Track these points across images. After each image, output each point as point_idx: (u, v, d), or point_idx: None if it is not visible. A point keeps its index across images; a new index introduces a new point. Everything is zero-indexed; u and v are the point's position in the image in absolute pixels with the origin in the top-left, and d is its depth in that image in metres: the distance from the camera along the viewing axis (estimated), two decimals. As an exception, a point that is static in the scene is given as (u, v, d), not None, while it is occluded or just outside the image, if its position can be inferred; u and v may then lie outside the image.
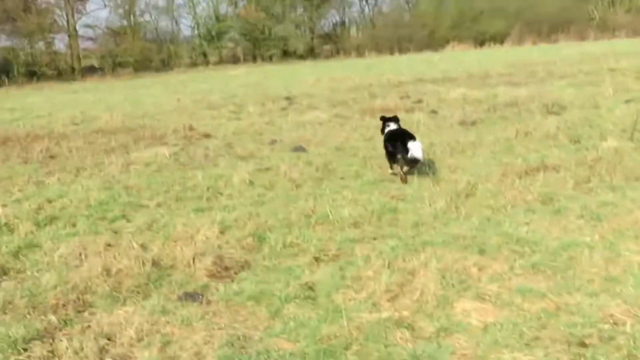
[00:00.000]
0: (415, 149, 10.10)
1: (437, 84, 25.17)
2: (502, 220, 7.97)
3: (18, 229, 8.83)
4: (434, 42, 65.35)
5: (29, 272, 7.27)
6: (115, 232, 8.49)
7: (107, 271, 6.93)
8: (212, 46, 63.97)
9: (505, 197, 9.00)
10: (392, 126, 11.23)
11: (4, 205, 9.94)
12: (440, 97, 20.02)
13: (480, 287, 6.15)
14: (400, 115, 15.82)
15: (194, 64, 62.01)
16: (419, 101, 19.37)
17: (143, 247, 7.72)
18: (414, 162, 10.18)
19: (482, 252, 6.96)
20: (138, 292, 6.60)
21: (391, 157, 10.65)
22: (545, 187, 9.39)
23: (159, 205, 9.79)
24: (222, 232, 8.16)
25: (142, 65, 58.65)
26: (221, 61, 63.66)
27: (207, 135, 15.42)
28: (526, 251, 6.97)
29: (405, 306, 5.88)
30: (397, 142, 10.44)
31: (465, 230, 7.72)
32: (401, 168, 10.40)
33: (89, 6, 61.72)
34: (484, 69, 31.30)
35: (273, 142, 14.03)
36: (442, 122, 15.32)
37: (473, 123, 14.98)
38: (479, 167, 10.77)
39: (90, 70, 59.05)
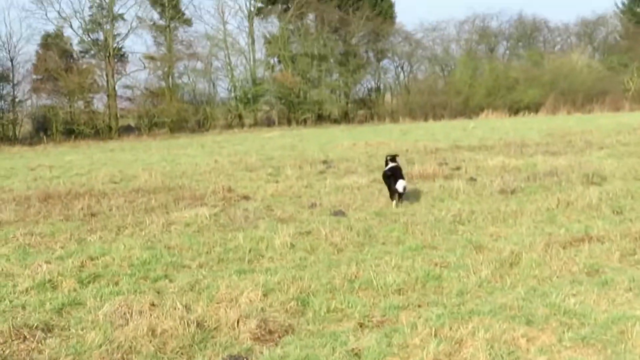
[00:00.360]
0: (399, 185, 14.11)
1: (474, 151, 25.18)
2: (549, 291, 7.89)
3: (61, 285, 8.89)
4: (468, 109, 65.51)
5: (73, 330, 7.28)
6: (159, 292, 8.50)
7: (152, 331, 6.93)
8: (247, 108, 64.55)
9: (550, 267, 8.92)
10: (391, 164, 14.85)
11: (47, 262, 10.01)
12: (478, 165, 19.98)
13: (529, 359, 6.07)
14: (439, 182, 16.09)
15: (229, 126, 62.55)
16: (458, 168, 19.37)
17: (187, 307, 7.71)
18: (399, 193, 14.07)
19: (529, 322, 6.87)
20: (182, 354, 6.60)
21: (389, 189, 14.41)
22: (591, 258, 9.30)
23: (200, 266, 9.81)
24: (265, 295, 8.15)
25: (178, 126, 59.29)
26: (256, 123, 64.19)
27: (246, 197, 15.48)
28: (574, 323, 6.87)
29: (455, 376, 5.81)
30: (390, 179, 14.33)
31: (511, 300, 7.64)
32: (392, 196, 14.15)
33: (129, 67, 62.37)
34: (521, 138, 31.25)
35: (312, 205, 14.06)
36: (481, 190, 15.27)
37: (513, 191, 14.91)
38: (521, 236, 10.70)
39: (127, 130, 59.81)
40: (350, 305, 7.73)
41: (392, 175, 14.39)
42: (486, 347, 6.22)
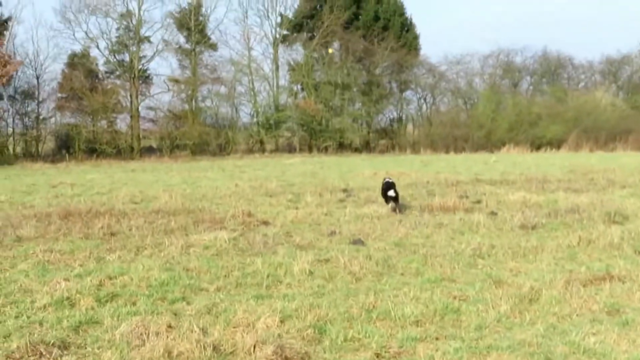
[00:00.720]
0: (390, 192, 18.13)
1: (495, 185, 25.07)
2: (568, 329, 7.82)
3: (79, 303, 8.92)
4: (490, 143, 65.38)
5: (89, 349, 7.30)
6: (176, 314, 8.50)
7: (169, 353, 6.93)
8: (269, 134, 64.77)
9: (570, 305, 8.85)
10: (387, 179, 19.22)
11: (66, 280, 10.05)
12: (499, 199, 19.90)
13: (548, 397, 6.01)
14: (460, 215, 16.06)
15: (250, 150, 62.76)
16: (478, 202, 19.30)
17: (203, 331, 7.71)
18: (393, 199, 17.92)
19: (548, 360, 6.81)
20: (198, 377, 6.57)
21: (384, 197, 18.45)
22: (612, 297, 9.22)
23: (218, 289, 9.81)
24: (282, 322, 8.13)
25: (200, 149, 59.58)
26: (277, 149, 64.38)
27: (265, 222, 15.50)
28: (594, 363, 6.80)
29: (472, 411, 5.75)
30: (386, 190, 18.43)
31: (530, 336, 7.59)
32: (386, 201, 18.08)
33: (153, 89, 62.79)
34: (542, 173, 31.12)
35: (332, 233, 14.05)
36: (502, 224, 15.20)
37: (534, 227, 14.83)
38: (542, 273, 10.62)
39: (149, 151, 60.16)
40: (367, 335, 7.70)
41: (386, 188, 18.46)
42: (504, 383, 6.15)
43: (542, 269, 11.03)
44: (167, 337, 7.32)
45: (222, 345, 7.31)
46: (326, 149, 63.99)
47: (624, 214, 16.43)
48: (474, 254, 12.08)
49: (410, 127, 72.66)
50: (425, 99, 73.06)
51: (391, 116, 72.06)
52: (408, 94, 72.55)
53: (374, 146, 68.53)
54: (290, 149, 64.73)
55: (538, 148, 63.91)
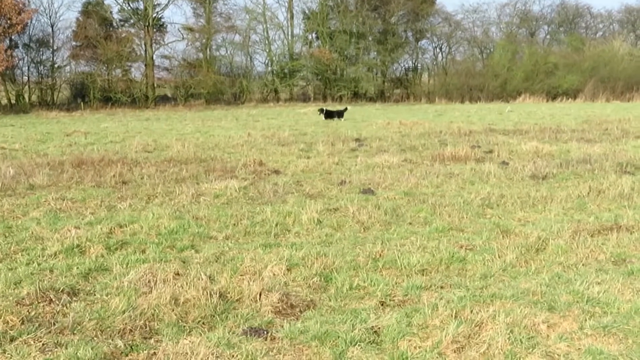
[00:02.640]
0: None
1: (508, 135, 24.97)
2: (573, 278, 7.83)
3: (89, 251, 9.01)
4: (505, 93, 65.01)
5: (98, 295, 7.38)
6: (184, 262, 8.57)
7: (175, 300, 7.00)
8: (284, 83, 64.57)
9: (577, 255, 8.86)
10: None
11: (77, 227, 10.14)
12: (511, 149, 19.82)
13: (549, 345, 6.06)
14: (471, 165, 16.13)
15: (264, 100, 62.66)
16: (490, 151, 19.22)
17: (210, 278, 7.77)
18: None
19: (551, 309, 6.84)
20: (204, 323, 6.66)
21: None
22: (618, 247, 9.21)
23: (227, 238, 9.88)
24: (289, 270, 8.20)
25: (214, 98, 59.54)
26: (292, 98, 64.21)
27: (276, 171, 15.53)
28: (597, 312, 6.83)
29: (472, 359, 5.81)
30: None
31: (534, 285, 7.61)
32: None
33: (167, 37, 62.55)
34: (556, 123, 30.99)
35: (342, 182, 14.06)
36: (513, 174, 15.15)
37: (544, 177, 14.79)
38: (550, 223, 10.60)
39: (163, 99, 60.18)
40: (372, 283, 7.75)
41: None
42: (506, 331, 6.20)
43: (550, 218, 11.02)
44: (175, 284, 7.39)
45: (229, 293, 7.38)
46: (340, 98, 63.78)
47: (636, 165, 16.36)
48: (482, 204, 12.07)
49: (425, 76, 72.31)
50: (440, 48, 72.64)
51: (406, 65, 71.74)
52: (423, 43, 72.17)
53: (388, 95, 68.29)
54: (304, 98, 64.58)
55: (554, 98, 63.50)
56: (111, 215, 11.22)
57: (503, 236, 9.80)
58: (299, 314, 6.94)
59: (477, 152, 18.68)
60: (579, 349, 6.00)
